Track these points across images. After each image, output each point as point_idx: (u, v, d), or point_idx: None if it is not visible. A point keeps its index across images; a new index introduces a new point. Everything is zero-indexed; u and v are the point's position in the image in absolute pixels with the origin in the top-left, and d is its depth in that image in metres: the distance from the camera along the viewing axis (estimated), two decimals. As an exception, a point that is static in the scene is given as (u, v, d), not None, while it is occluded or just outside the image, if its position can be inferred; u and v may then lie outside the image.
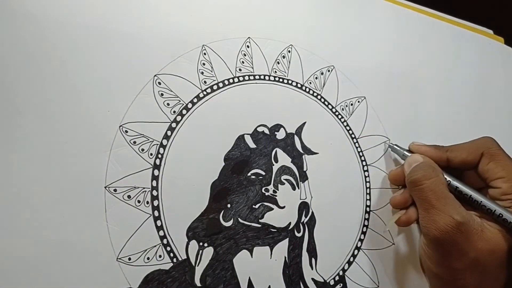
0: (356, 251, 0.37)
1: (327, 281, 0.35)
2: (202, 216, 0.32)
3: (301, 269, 0.34)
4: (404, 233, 0.39)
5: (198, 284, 0.31)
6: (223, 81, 0.35)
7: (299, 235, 0.35)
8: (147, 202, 0.30)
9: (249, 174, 0.34)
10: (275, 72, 0.37)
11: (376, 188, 0.39)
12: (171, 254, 0.30)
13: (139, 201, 0.30)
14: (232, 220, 0.33)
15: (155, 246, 0.30)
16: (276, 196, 0.35)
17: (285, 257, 0.34)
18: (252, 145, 0.35)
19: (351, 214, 0.37)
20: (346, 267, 0.36)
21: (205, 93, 0.34)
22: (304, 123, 0.37)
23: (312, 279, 0.35)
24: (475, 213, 0.33)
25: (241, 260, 0.32)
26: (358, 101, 0.40)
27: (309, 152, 0.37)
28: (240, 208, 0.33)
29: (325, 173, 0.37)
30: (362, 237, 0.38)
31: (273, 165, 0.35)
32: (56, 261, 0.27)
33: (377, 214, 0.39)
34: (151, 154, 0.31)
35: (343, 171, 0.38)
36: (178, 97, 0.33)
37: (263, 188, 0.34)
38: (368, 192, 0.39)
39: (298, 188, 0.36)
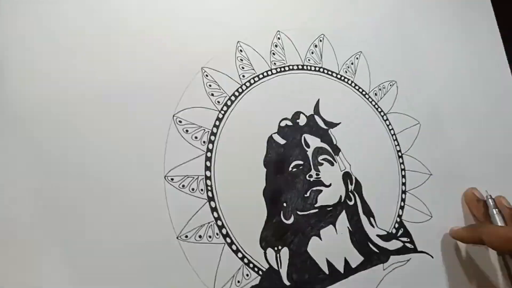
0: (403, 195, 0.40)
1: (389, 231, 0.38)
2: (266, 224, 0.33)
3: (365, 232, 0.37)
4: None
5: (288, 283, 0.33)
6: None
7: (351, 203, 0.37)
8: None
9: (290, 169, 0.35)
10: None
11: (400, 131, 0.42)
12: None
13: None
14: (292, 216, 0.34)
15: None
16: (320, 178, 0.36)
17: (348, 227, 0.36)
18: (282, 141, 0.36)
19: (388, 166, 0.40)
20: (400, 213, 0.39)
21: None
22: (318, 100, 0.38)
23: (377, 235, 0.38)
24: None
25: (314, 247, 0.35)
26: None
27: (333, 125, 0.38)
28: (295, 202, 0.35)
29: (354, 140, 0.39)
30: (403, 180, 0.40)
31: (307, 151, 0.36)
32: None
33: (410, 155, 0.41)
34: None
35: (369, 137, 0.40)
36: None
37: (307, 176, 0.36)
38: (396, 141, 0.41)
39: (336, 162, 0.37)
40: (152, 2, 0.33)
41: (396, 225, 0.39)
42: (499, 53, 0.50)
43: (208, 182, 0.32)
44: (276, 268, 0.33)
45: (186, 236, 0.30)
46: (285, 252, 0.34)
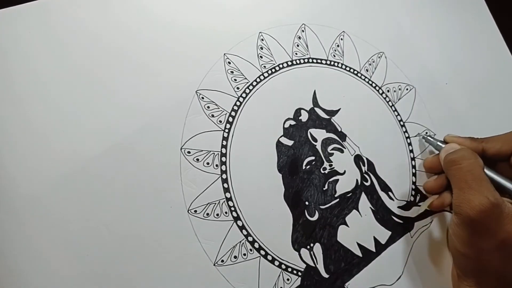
0: (413, 162, 0.41)
1: (408, 200, 0.39)
2: (294, 226, 0.34)
3: (386, 207, 0.38)
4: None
5: (327, 275, 0.34)
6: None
7: (368, 183, 0.38)
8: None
9: (304, 167, 0.36)
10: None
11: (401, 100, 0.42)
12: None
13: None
14: (316, 212, 0.35)
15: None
16: (333, 168, 0.37)
17: (370, 208, 0.37)
18: (289, 142, 0.36)
19: (393, 138, 0.40)
20: (414, 180, 0.40)
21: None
22: (315, 91, 0.38)
23: (398, 207, 0.39)
24: (507, 200, 0.34)
25: (343, 235, 0.36)
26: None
27: (333, 112, 0.38)
28: (316, 198, 0.35)
29: (356, 122, 0.39)
30: (410, 148, 0.41)
31: (315, 145, 0.37)
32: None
33: (411, 122, 0.42)
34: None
35: (370, 115, 0.40)
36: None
37: (321, 169, 0.36)
38: (396, 111, 0.41)
39: (345, 148, 0.38)
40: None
41: (413, 193, 0.40)
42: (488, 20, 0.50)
43: (230, 203, 0.32)
44: (313, 265, 0.34)
45: (222, 261, 0.31)
46: (317, 247, 0.35)
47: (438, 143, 0.39)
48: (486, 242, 0.31)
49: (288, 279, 0.33)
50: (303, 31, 0.39)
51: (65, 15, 0.32)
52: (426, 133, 0.42)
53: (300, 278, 0.33)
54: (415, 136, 0.41)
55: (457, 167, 0.34)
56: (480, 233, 0.31)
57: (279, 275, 0.33)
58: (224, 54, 0.35)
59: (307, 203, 0.35)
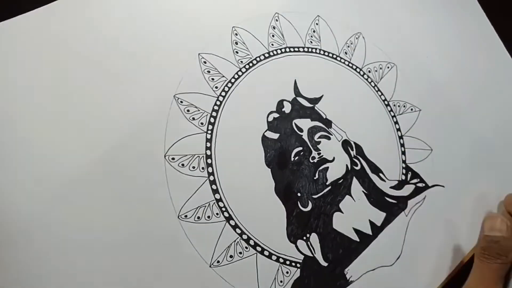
0: (401, 140, 0.41)
1: (400, 179, 0.39)
2: (288, 219, 0.34)
3: (379, 189, 0.38)
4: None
5: (325, 264, 0.34)
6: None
7: (358, 167, 0.38)
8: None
9: (292, 159, 0.35)
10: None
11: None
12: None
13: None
14: (309, 202, 0.35)
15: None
16: (322, 156, 0.36)
17: (362, 191, 0.37)
18: (275, 136, 0.35)
19: (379, 118, 0.40)
20: (403, 158, 0.40)
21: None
22: (295, 81, 0.37)
23: (390, 187, 0.39)
24: None
25: (339, 222, 0.36)
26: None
27: (316, 100, 0.38)
28: (307, 188, 0.35)
29: (340, 107, 0.39)
30: (397, 126, 0.41)
31: (301, 135, 0.36)
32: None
33: (395, 99, 0.41)
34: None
35: (354, 98, 0.40)
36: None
37: (310, 159, 0.36)
38: (379, 91, 0.41)
39: (332, 135, 0.38)
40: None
41: (404, 171, 0.40)
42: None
43: (221, 204, 0.32)
44: (311, 255, 0.34)
45: (218, 262, 0.31)
46: (314, 237, 0.35)
47: None
48: None
49: (287, 272, 0.33)
50: (277, 20, 0.38)
51: (39, 28, 0.31)
52: None
53: (299, 269, 0.33)
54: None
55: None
56: None
57: (278, 269, 0.33)
58: (199, 54, 0.34)
59: (299, 194, 0.35)
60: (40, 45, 0.30)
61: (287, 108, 0.36)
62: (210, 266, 0.30)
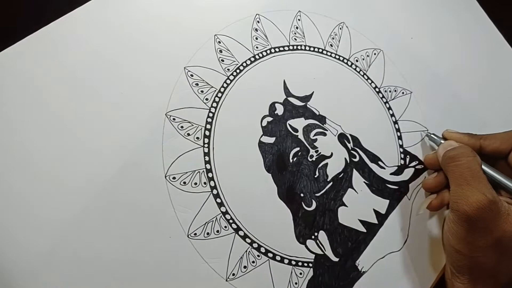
0: (396, 125, 0.41)
1: (399, 164, 0.40)
2: (295, 221, 0.34)
3: (380, 177, 0.38)
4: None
5: (336, 259, 0.35)
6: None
7: (357, 159, 0.38)
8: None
9: (291, 160, 0.35)
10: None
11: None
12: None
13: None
14: (313, 201, 0.35)
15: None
16: (320, 153, 0.37)
17: (364, 182, 0.38)
18: (271, 140, 0.35)
19: (372, 106, 0.40)
20: (400, 143, 0.40)
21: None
22: (284, 81, 0.37)
23: (390, 174, 0.39)
24: (504, 198, 0.34)
25: (344, 215, 0.36)
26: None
27: (308, 98, 0.38)
28: (309, 187, 0.35)
29: (332, 100, 0.39)
30: (391, 112, 0.41)
31: (297, 135, 0.36)
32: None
33: (386, 86, 0.41)
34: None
35: (344, 90, 0.40)
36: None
37: (308, 157, 0.36)
38: (370, 79, 0.41)
39: (327, 130, 0.38)
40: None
41: (402, 156, 0.40)
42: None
43: (228, 216, 0.32)
44: (322, 252, 0.34)
45: (234, 275, 0.31)
46: (322, 235, 0.35)
47: (441, 141, 0.39)
48: (481, 239, 0.31)
49: (300, 273, 0.33)
50: (258, 22, 0.38)
51: (36, 55, 0.30)
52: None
53: (311, 269, 0.34)
54: (423, 138, 0.41)
55: (455, 164, 0.34)
56: (476, 230, 0.31)
57: (291, 272, 0.33)
58: (184, 67, 0.34)
59: (302, 194, 0.35)
60: (30, 78, 0.30)
61: (279, 110, 0.36)
62: (226, 280, 0.31)
